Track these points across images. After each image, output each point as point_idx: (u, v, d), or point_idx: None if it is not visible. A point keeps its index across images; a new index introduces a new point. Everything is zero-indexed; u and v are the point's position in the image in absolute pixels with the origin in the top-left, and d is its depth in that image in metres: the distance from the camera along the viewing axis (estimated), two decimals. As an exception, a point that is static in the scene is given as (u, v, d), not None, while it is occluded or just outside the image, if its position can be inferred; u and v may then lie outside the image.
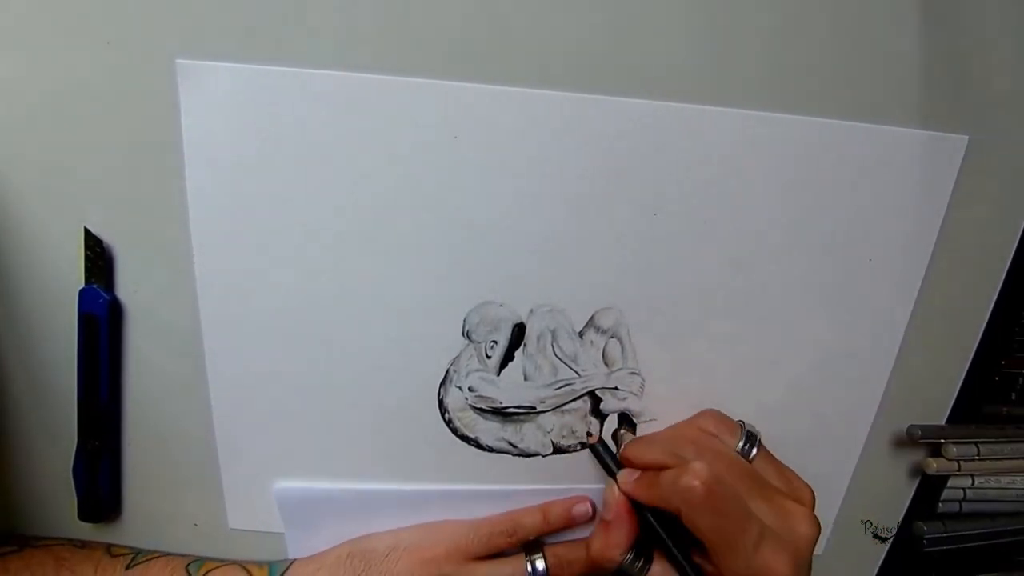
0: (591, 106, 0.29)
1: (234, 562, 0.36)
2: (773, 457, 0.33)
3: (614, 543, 0.32)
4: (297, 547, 0.36)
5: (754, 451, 0.32)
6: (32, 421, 0.34)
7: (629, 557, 0.32)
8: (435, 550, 0.33)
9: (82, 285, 0.31)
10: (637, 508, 0.32)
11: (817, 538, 0.29)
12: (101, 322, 0.31)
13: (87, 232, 0.30)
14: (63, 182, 0.30)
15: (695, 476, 0.28)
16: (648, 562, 0.32)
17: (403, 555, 0.33)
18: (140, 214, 0.30)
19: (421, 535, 0.34)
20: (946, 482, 0.37)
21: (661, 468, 0.30)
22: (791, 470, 0.32)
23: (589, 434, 0.34)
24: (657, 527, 0.31)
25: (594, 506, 0.35)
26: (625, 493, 0.32)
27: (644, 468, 0.32)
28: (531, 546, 0.35)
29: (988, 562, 0.40)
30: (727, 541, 0.28)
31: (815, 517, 0.30)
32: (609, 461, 0.34)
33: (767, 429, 0.35)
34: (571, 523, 0.35)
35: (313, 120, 0.28)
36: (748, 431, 0.32)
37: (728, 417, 0.34)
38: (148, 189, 0.30)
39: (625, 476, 0.32)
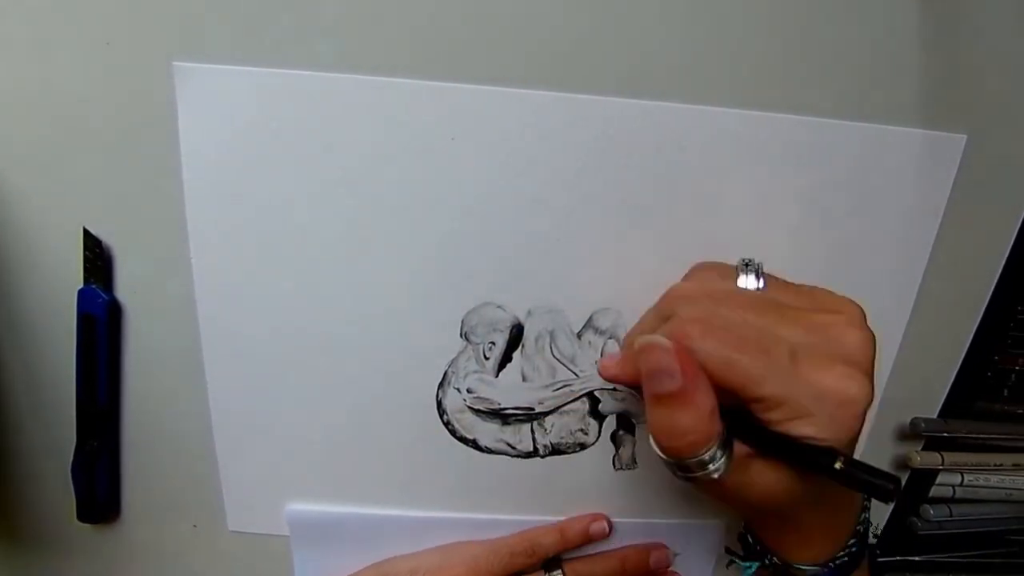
0: (589, 107, 0.29)
1: None
2: (790, 283, 0.27)
3: (702, 418, 0.22)
4: (304, 567, 0.36)
5: (760, 282, 0.26)
6: (31, 421, 0.34)
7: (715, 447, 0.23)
8: (455, 571, 0.34)
9: (81, 285, 0.31)
10: None
11: (874, 348, 0.23)
12: (100, 322, 0.31)
13: (86, 232, 0.30)
14: (62, 182, 0.30)
15: (686, 317, 0.23)
16: (728, 449, 0.23)
17: None
18: (139, 215, 0.30)
19: (441, 557, 0.35)
20: (935, 479, 0.37)
21: None
22: (822, 288, 0.26)
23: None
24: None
25: (611, 524, 0.35)
26: (608, 377, 0.26)
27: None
28: (549, 562, 0.35)
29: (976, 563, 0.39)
30: (750, 375, 0.22)
31: (864, 324, 0.23)
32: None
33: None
34: (588, 541, 0.35)
35: (310, 122, 0.28)
36: (745, 263, 0.26)
37: (721, 262, 0.28)
38: (147, 190, 0.30)
39: (607, 359, 0.27)
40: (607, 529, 0.35)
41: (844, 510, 0.28)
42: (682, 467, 0.24)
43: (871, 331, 0.23)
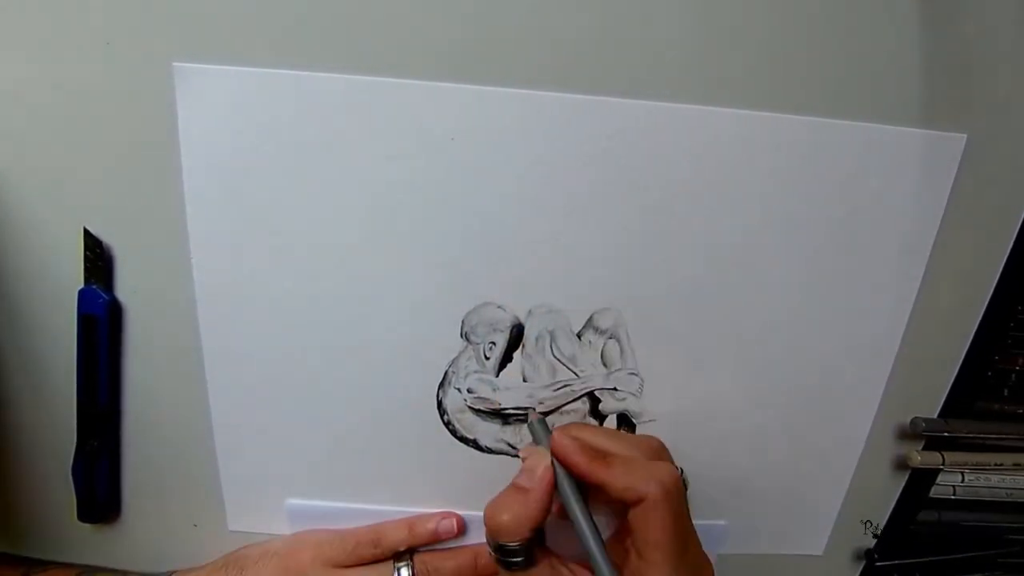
0: (588, 107, 0.29)
1: (114, 570, 0.37)
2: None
3: (528, 515, 0.28)
4: None
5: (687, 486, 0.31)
6: (31, 421, 0.34)
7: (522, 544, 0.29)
8: (300, 556, 0.34)
9: (81, 286, 0.31)
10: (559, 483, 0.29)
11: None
12: (100, 323, 0.31)
13: (87, 233, 0.30)
14: (63, 183, 0.30)
15: (671, 472, 0.28)
16: (529, 560, 0.29)
17: (272, 560, 0.34)
18: (139, 215, 0.30)
19: (290, 542, 0.35)
20: (935, 479, 0.37)
21: (603, 454, 0.29)
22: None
23: (533, 410, 0.34)
24: (578, 502, 0.29)
25: (460, 523, 0.35)
26: (559, 455, 0.29)
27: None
28: (400, 553, 0.35)
29: (976, 563, 0.40)
30: (678, 542, 0.27)
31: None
32: (544, 435, 0.31)
33: (767, 430, 0.35)
34: (436, 538, 0.35)
35: (310, 123, 0.28)
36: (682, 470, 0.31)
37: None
38: (147, 191, 0.30)
39: (563, 440, 0.29)
40: (455, 528, 0.35)
41: None
42: (491, 544, 0.30)
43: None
